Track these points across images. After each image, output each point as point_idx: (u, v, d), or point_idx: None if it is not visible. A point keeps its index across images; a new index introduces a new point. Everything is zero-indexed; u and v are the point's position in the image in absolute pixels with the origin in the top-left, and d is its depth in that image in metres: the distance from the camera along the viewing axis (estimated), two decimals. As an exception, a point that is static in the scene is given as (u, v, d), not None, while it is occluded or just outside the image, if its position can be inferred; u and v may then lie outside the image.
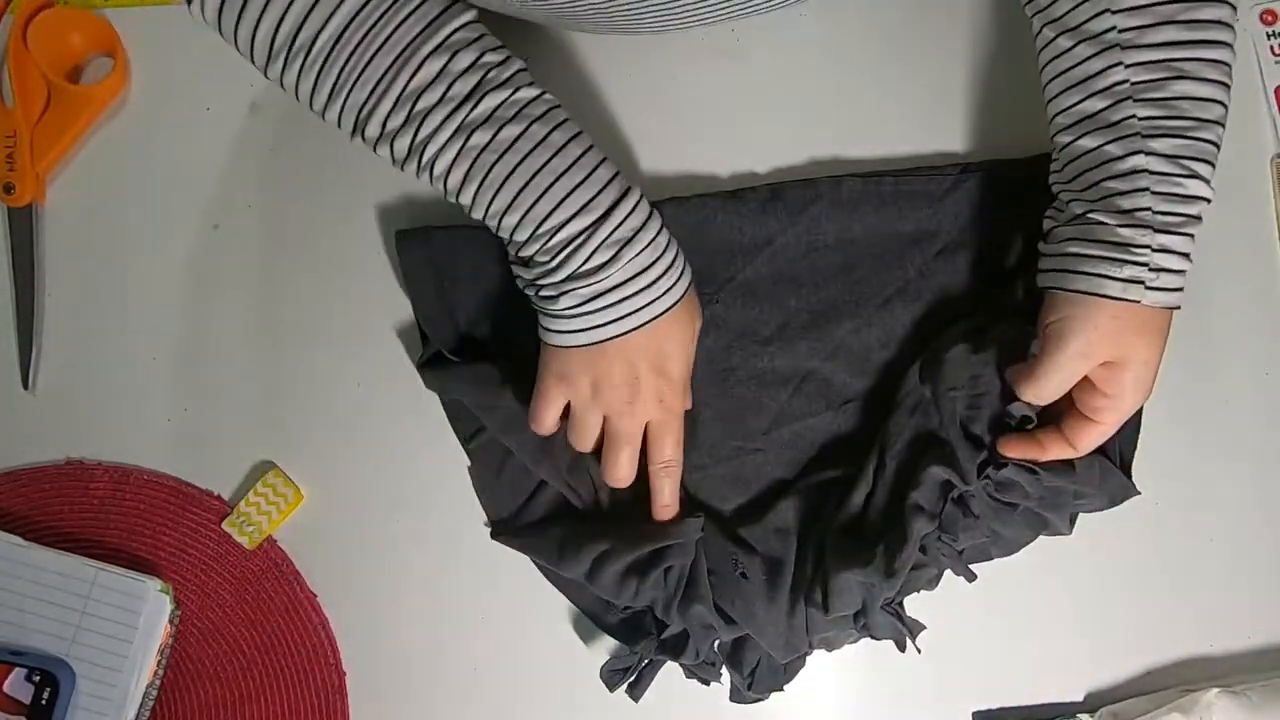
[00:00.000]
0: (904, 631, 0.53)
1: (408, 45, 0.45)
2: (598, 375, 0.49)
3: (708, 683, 0.55)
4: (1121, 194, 0.46)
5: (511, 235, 0.48)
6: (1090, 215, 0.47)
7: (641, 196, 0.49)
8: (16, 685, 0.53)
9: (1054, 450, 0.50)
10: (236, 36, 0.46)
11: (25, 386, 0.58)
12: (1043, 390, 0.49)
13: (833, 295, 0.55)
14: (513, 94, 0.46)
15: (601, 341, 0.48)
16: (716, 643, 0.54)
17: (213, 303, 0.59)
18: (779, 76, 0.58)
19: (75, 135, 0.59)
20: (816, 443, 0.55)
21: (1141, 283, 0.46)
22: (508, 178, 0.46)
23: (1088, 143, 0.48)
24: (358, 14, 0.44)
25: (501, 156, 0.46)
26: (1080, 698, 0.56)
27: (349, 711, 0.57)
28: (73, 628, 0.54)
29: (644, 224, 0.48)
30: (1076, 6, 0.47)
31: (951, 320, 0.55)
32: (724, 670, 0.55)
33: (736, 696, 0.55)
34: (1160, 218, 0.46)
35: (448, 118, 0.45)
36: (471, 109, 0.45)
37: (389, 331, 0.58)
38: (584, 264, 0.47)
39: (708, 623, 0.52)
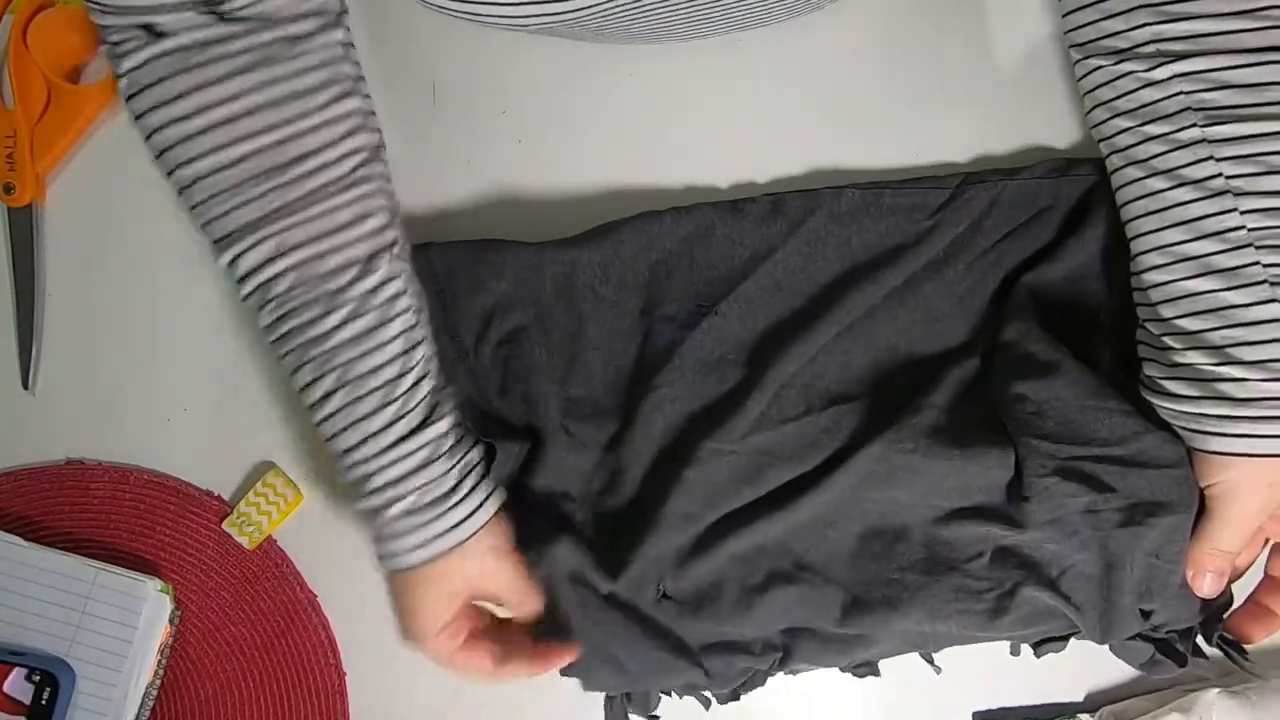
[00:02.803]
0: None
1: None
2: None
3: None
4: (1251, 344, 0.44)
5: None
6: (1219, 369, 0.45)
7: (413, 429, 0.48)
8: (16, 685, 0.53)
9: None
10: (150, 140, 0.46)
11: (25, 386, 0.58)
12: (1227, 544, 0.48)
13: (825, 304, 0.54)
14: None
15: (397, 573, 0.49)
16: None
17: (213, 303, 0.59)
18: (779, 85, 0.58)
19: (75, 135, 0.59)
20: (793, 448, 0.54)
21: None
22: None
23: (1198, 285, 0.45)
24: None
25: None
26: (1080, 698, 0.56)
27: (349, 711, 0.57)
28: (73, 628, 0.54)
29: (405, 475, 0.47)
30: (1169, 151, 0.45)
31: (932, 326, 0.54)
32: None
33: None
34: None
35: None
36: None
37: (389, 331, 0.58)
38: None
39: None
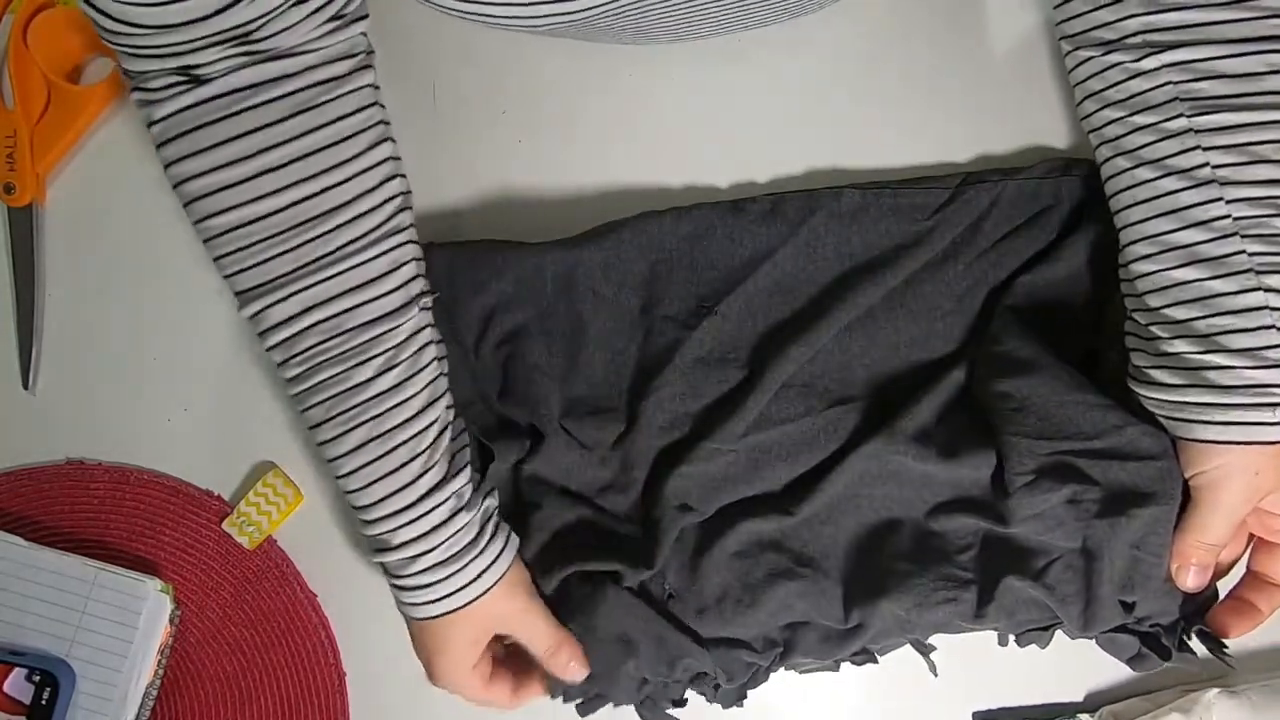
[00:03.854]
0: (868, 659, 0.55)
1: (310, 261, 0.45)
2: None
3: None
4: (1240, 331, 0.44)
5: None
6: (1206, 357, 0.45)
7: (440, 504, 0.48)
8: (16, 685, 0.53)
9: (1272, 603, 0.49)
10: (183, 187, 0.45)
11: (25, 386, 0.58)
12: (1212, 535, 0.48)
13: (825, 305, 0.54)
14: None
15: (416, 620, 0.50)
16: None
17: (213, 303, 0.59)
18: (780, 85, 0.58)
19: (75, 135, 0.59)
20: (792, 447, 0.54)
21: None
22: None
23: (1185, 275, 0.45)
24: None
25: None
26: (1080, 698, 0.57)
27: (349, 711, 0.57)
28: (73, 628, 0.54)
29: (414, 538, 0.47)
30: (1157, 141, 0.46)
31: (932, 326, 0.54)
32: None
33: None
34: None
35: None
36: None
37: (389, 331, 0.58)
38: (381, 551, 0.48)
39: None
